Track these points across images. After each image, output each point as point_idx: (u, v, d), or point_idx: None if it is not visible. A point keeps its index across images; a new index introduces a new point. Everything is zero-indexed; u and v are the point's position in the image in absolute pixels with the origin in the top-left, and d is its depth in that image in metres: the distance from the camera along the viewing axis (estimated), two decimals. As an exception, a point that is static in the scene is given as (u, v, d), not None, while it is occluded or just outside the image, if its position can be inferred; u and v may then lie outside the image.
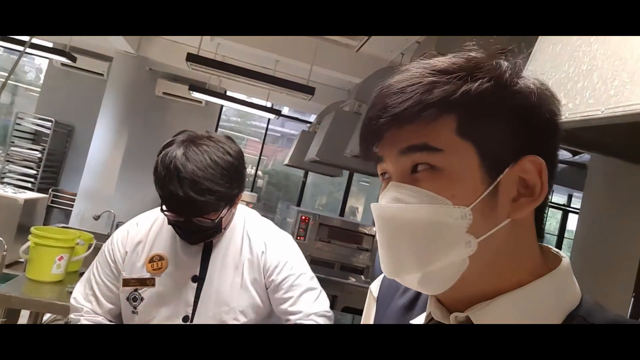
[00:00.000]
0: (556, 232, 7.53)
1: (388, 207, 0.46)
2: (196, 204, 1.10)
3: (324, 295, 1.30)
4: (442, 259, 0.44)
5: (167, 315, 1.23)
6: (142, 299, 1.23)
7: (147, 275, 1.24)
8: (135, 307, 1.24)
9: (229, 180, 1.14)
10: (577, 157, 3.73)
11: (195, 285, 1.24)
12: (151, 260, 1.24)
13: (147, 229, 1.29)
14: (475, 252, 0.44)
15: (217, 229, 1.22)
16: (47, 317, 2.77)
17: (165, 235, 1.27)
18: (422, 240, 0.45)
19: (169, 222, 1.21)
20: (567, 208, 7.47)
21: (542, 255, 0.48)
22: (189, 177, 1.09)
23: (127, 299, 1.24)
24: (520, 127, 0.45)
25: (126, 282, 1.25)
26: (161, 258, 1.25)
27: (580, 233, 3.02)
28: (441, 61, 0.47)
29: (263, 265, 1.27)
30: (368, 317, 0.66)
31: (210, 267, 1.25)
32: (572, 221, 7.34)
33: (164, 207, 1.16)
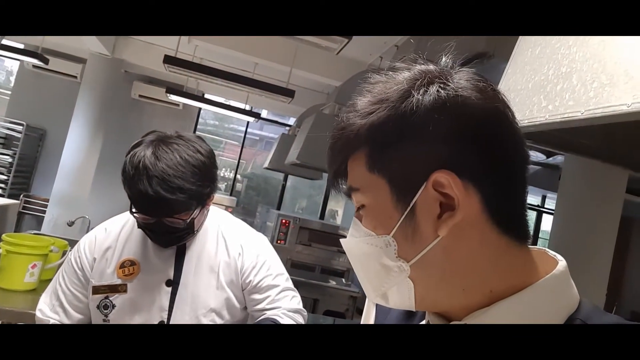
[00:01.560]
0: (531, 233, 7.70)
1: (344, 241, 0.52)
2: (166, 203, 1.08)
3: (299, 297, 1.32)
4: (385, 284, 0.48)
5: (141, 321, 1.20)
6: (113, 306, 1.19)
7: (118, 282, 1.20)
8: (106, 315, 1.20)
9: (200, 178, 1.12)
10: (550, 158, 3.83)
11: (169, 289, 1.21)
12: (122, 266, 1.21)
13: (117, 233, 1.25)
14: (419, 272, 0.46)
15: (189, 230, 1.19)
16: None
17: (136, 239, 1.24)
18: (366, 268, 0.50)
19: (139, 225, 1.17)
20: (541, 209, 7.64)
21: (534, 259, 0.48)
22: (158, 175, 1.06)
23: (98, 307, 1.20)
24: (423, 147, 0.45)
25: (96, 290, 1.20)
26: (132, 263, 1.21)
27: (555, 233, 3.09)
28: (368, 95, 0.49)
29: (240, 267, 1.25)
30: (367, 319, 0.67)
31: (184, 270, 1.22)
32: (546, 222, 7.51)
33: (134, 209, 1.13)
